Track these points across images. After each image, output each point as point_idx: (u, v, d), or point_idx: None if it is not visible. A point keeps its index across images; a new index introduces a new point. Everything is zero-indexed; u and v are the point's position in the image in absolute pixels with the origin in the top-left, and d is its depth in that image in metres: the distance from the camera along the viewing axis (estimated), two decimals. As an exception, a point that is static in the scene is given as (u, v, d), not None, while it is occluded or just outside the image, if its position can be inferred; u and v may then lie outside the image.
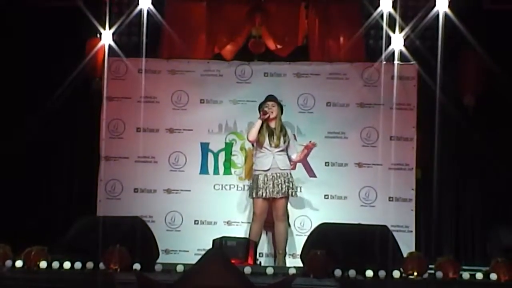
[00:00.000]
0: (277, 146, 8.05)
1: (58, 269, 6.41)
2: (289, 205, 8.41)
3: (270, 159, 8.03)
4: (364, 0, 8.63)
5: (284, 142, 8.08)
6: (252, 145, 8.26)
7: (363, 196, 8.53)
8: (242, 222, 8.48)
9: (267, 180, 7.99)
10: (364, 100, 8.67)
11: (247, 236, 8.06)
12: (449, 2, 8.20)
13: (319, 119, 8.68)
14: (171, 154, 8.66)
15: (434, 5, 8.18)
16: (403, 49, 8.49)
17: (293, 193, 8.08)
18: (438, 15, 8.28)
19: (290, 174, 8.10)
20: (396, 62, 8.52)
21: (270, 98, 8.19)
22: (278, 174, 8.01)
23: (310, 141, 8.12)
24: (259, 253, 8.26)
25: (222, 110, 8.74)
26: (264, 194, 7.97)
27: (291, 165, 8.21)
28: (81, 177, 8.93)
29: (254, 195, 8.06)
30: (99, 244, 6.46)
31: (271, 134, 8.07)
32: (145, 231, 7.03)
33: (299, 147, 8.25)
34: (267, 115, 8.06)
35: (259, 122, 8.06)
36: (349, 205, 8.53)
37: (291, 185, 8.04)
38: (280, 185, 7.98)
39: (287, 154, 8.14)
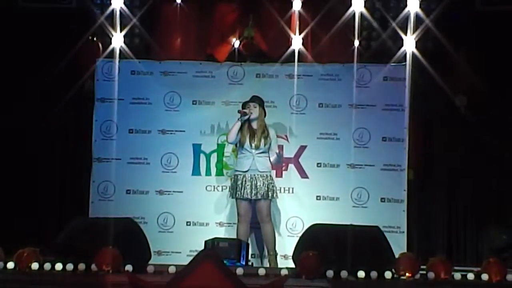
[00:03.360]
0: (257, 147, 8.04)
1: (50, 270, 6.41)
2: (280, 206, 8.44)
3: (250, 161, 8.03)
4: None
5: (265, 144, 8.06)
6: (235, 145, 8.26)
7: (355, 197, 8.54)
8: (234, 223, 8.44)
9: (245, 181, 7.99)
10: (356, 101, 8.67)
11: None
12: (441, 4, 8.23)
13: (311, 120, 8.68)
14: (164, 156, 8.67)
15: (426, 6, 8.22)
16: (395, 50, 8.51)
17: (273, 195, 8.06)
18: (430, 16, 8.32)
19: (270, 176, 8.09)
20: (388, 63, 8.55)
21: (253, 98, 8.19)
22: (256, 176, 8.00)
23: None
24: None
25: (214, 112, 8.74)
26: (242, 195, 7.98)
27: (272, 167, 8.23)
28: (74, 178, 8.93)
29: (234, 196, 8.08)
30: (91, 246, 6.46)
31: (252, 135, 8.07)
32: (137, 232, 7.03)
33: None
34: (247, 116, 8.06)
35: (238, 123, 8.05)
36: (341, 206, 8.53)
37: (270, 187, 8.02)
38: (258, 187, 7.96)
39: (268, 156, 8.15)
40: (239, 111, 8.11)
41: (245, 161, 8.04)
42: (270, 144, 8.10)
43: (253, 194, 7.96)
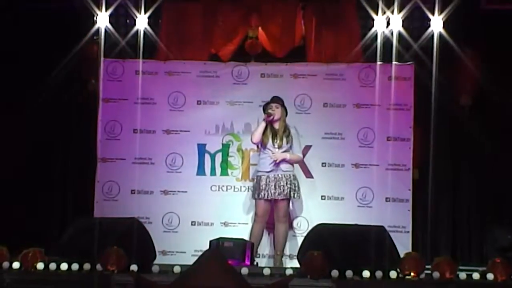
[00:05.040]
0: (280, 147, 8.05)
1: (55, 270, 6.41)
2: (286, 206, 8.44)
3: (273, 160, 8.03)
4: (361, 0, 8.63)
5: (287, 143, 8.08)
6: (257, 146, 8.27)
7: (360, 196, 8.53)
8: (239, 223, 8.48)
9: (269, 181, 8.00)
10: (361, 100, 8.67)
11: (248, 237, 8.06)
12: (446, 2, 8.21)
13: (316, 120, 8.68)
14: (168, 155, 8.67)
15: (431, 5, 8.20)
16: (400, 49, 8.49)
17: (295, 195, 8.07)
18: (434, 15, 8.31)
19: (293, 175, 8.10)
20: (393, 62, 8.54)
21: (274, 99, 8.20)
22: (280, 176, 8.01)
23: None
24: (261, 254, 8.29)
25: (219, 111, 8.74)
26: (266, 196, 7.98)
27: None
28: (78, 178, 8.92)
29: (256, 196, 8.07)
30: (96, 246, 6.47)
31: (274, 135, 8.08)
32: (142, 232, 7.03)
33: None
34: (271, 117, 8.07)
35: (263, 124, 8.08)
36: (346, 206, 8.53)
37: (293, 187, 8.03)
38: (282, 187, 7.98)
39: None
40: (265, 113, 8.10)
41: (268, 161, 8.05)
42: (292, 143, 8.11)
43: (276, 194, 7.97)
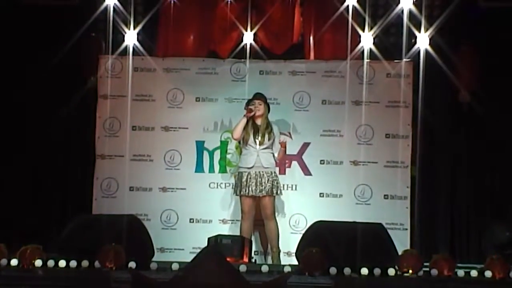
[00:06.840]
0: (261, 143, 8.05)
1: (54, 267, 6.41)
2: (284, 203, 8.43)
3: (254, 157, 8.03)
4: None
5: (269, 139, 8.07)
6: (239, 142, 8.27)
7: (358, 194, 8.54)
8: (237, 220, 8.46)
9: (250, 178, 7.99)
10: (360, 97, 8.67)
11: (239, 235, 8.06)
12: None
13: (315, 117, 8.69)
14: (167, 153, 8.67)
15: (430, 3, 8.20)
16: (399, 46, 8.49)
17: (277, 192, 8.06)
18: (433, 12, 8.31)
19: (274, 172, 8.09)
20: (392, 60, 8.54)
21: (257, 96, 8.21)
22: (261, 173, 7.99)
23: (280, 140, 8.10)
24: (250, 251, 8.30)
25: (218, 108, 8.75)
26: (247, 192, 7.97)
27: (276, 163, 8.22)
28: (77, 175, 8.91)
29: (238, 193, 8.08)
30: (95, 243, 6.46)
31: (256, 131, 8.08)
32: (140, 229, 7.03)
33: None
34: (253, 113, 8.08)
35: (244, 120, 8.08)
36: (344, 203, 8.53)
37: (275, 183, 8.01)
38: (263, 184, 7.97)
39: (273, 152, 8.15)
40: (245, 108, 8.11)
41: (249, 157, 8.04)
42: (273, 140, 8.10)
43: (258, 191, 7.96)
